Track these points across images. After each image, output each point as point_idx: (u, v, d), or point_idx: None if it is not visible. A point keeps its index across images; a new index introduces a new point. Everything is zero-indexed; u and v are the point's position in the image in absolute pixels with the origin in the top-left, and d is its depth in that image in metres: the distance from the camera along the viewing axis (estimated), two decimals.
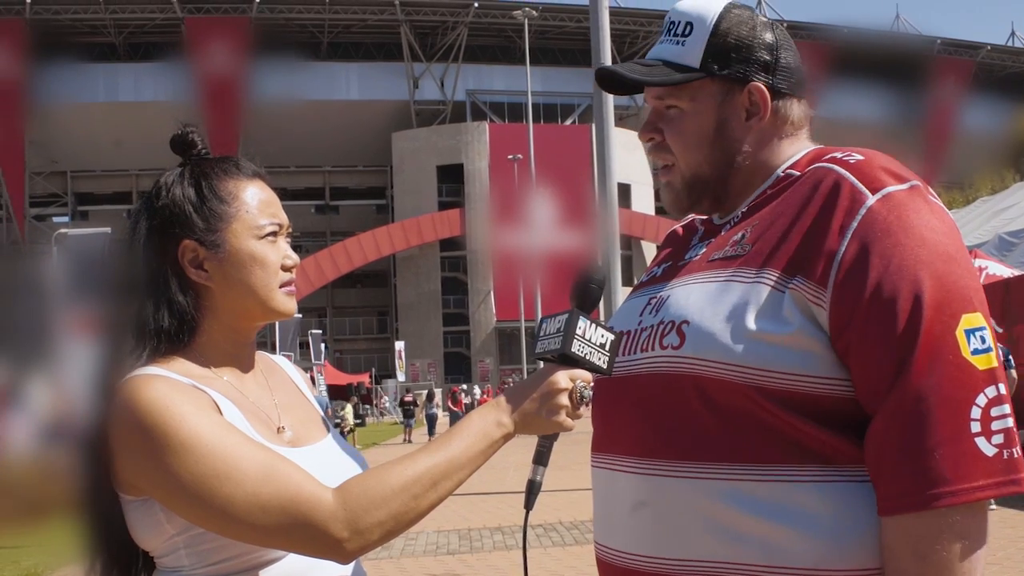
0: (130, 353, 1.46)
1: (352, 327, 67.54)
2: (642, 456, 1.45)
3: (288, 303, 1.58)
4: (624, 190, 55.61)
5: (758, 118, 1.54)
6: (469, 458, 1.41)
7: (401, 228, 61.00)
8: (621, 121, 44.95)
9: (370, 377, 48.23)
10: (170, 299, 1.50)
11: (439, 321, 63.06)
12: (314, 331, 38.73)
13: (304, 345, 37.15)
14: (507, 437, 1.45)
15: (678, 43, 1.55)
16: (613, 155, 11.89)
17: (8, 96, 55.67)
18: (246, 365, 1.61)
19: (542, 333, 1.51)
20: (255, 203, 1.56)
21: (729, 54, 1.53)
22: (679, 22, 1.57)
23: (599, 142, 12.09)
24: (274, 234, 1.57)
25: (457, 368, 61.90)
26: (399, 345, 49.41)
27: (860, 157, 1.43)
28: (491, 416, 1.44)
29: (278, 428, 1.56)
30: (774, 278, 1.38)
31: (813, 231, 1.38)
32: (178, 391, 1.41)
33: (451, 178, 63.06)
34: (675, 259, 1.63)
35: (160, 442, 1.36)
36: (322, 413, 1.72)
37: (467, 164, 62.60)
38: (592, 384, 1.46)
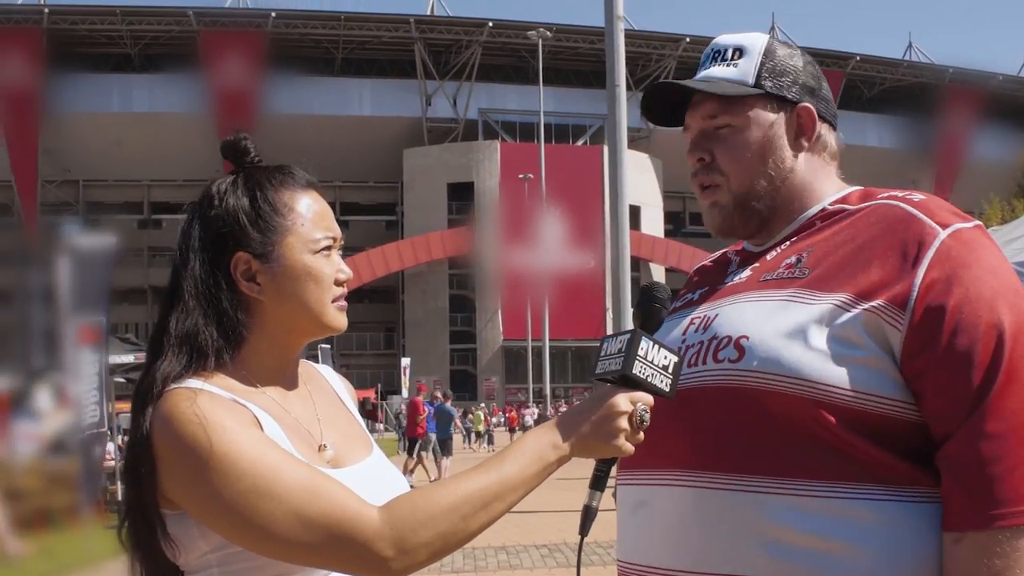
0: (175, 366, 1.40)
1: (359, 342, 67.52)
2: (690, 469, 1.44)
3: (340, 319, 1.54)
4: (634, 212, 55.61)
5: (806, 138, 1.60)
6: (522, 480, 1.36)
7: (410, 245, 61.11)
8: (632, 143, 45.01)
9: (376, 393, 48.17)
10: (220, 312, 1.45)
11: (446, 338, 63.05)
12: (323, 345, 38.69)
13: (313, 359, 37.14)
14: (562, 460, 1.39)
15: (729, 65, 1.61)
16: (625, 177, 11.91)
17: (23, 104, 56.05)
18: (290, 380, 1.55)
19: (603, 353, 1.46)
20: (310, 215, 1.51)
21: (781, 76, 1.59)
22: (726, 48, 1.63)
23: (612, 163, 12.10)
24: (328, 248, 1.52)
25: (463, 386, 61.78)
26: (405, 361, 49.39)
27: (922, 197, 1.50)
28: (547, 438, 1.39)
29: (320, 446, 1.50)
30: (843, 300, 1.41)
31: (887, 258, 1.42)
32: (220, 406, 1.36)
33: (461, 196, 63.19)
34: (713, 283, 1.64)
35: (200, 457, 1.31)
36: (365, 427, 1.67)
37: (478, 182, 62.74)
38: (647, 408, 1.41)
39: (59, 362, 10.42)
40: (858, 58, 67.73)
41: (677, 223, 70.00)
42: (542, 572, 8.69)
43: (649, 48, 64.21)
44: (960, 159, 66.46)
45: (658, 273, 63.80)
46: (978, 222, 1.47)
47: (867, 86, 68.99)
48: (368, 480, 1.49)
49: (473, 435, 35.78)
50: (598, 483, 1.45)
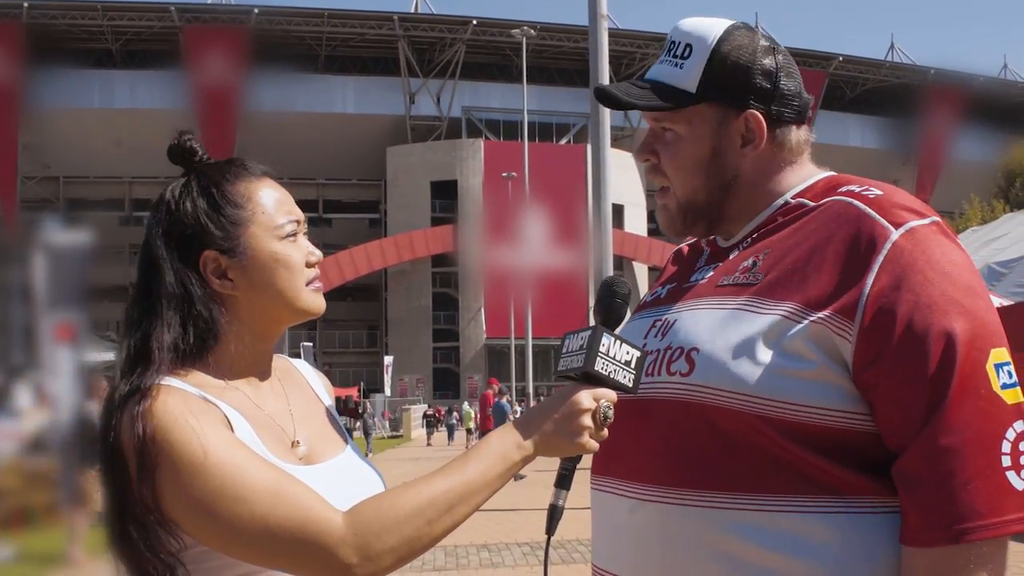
0: (151, 373, 1.39)
1: (342, 340, 67.40)
2: (648, 483, 1.43)
3: (317, 300, 1.53)
4: (617, 211, 55.66)
5: (753, 146, 1.52)
6: (486, 482, 1.36)
7: (393, 243, 60.99)
8: (616, 142, 45.02)
9: (359, 391, 48.11)
10: (195, 315, 1.44)
11: (429, 336, 62.99)
12: (305, 343, 38.64)
13: (295, 357, 37.05)
14: (527, 459, 1.39)
15: (677, 65, 1.52)
16: (608, 176, 11.91)
17: (2, 100, 55.61)
18: (264, 373, 1.55)
19: (565, 350, 1.46)
20: (270, 203, 1.51)
21: (727, 80, 1.49)
22: (679, 43, 1.54)
23: (595, 162, 12.10)
24: (294, 232, 1.52)
25: (446, 384, 61.77)
26: (388, 360, 49.32)
27: (879, 192, 1.42)
28: (510, 438, 1.39)
29: (293, 442, 1.50)
30: (793, 310, 1.36)
31: (836, 265, 1.36)
32: (189, 404, 1.36)
33: (445, 194, 63.13)
34: (680, 280, 1.61)
35: (167, 457, 1.31)
36: (340, 422, 1.66)
37: (461, 180, 62.68)
38: (611, 404, 1.41)
39: (37, 360, 10.36)
40: (841, 58, 67.97)
41: None
42: (523, 570, 8.69)
43: (633, 47, 64.26)
44: (941, 159, 66.81)
45: (641, 272, 63.90)
46: (936, 217, 1.41)
47: (849, 86, 69.26)
48: (339, 477, 1.49)
49: (465, 432, 36.20)
50: (563, 482, 1.46)
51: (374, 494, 1.38)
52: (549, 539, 1.48)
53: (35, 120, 57.59)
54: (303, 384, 1.66)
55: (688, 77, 1.51)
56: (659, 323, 1.53)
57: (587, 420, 1.38)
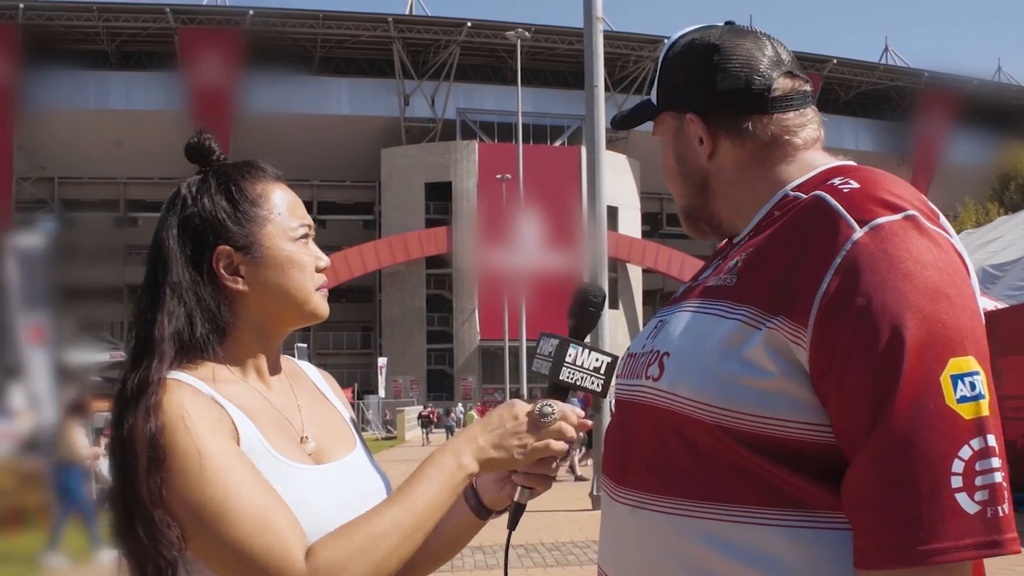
0: (161, 367, 1.40)
1: (336, 342, 67.39)
2: (630, 487, 1.43)
3: (324, 306, 1.55)
4: (611, 212, 55.72)
5: (704, 148, 1.51)
6: (436, 507, 1.39)
7: (388, 244, 60.99)
8: (610, 144, 45.09)
9: (353, 392, 48.08)
10: (204, 310, 1.46)
11: (423, 338, 62.97)
12: (299, 344, 38.61)
13: (290, 357, 37.06)
14: (471, 476, 1.43)
15: (655, 79, 1.60)
16: (603, 178, 11.93)
17: None
18: (273, 370, 1.56)
19: (539, 352, 1.51)
20: (285, 205, 1.53)
21: (671, 87, 1.55)
22: (658, 60, 1.63)
23: (590, 164, 12.13)
24: (306, 236, 1.54)
25: (440, 386, 61.79)
26: (382, 361, 49.28)
27: (856, 185, 1.34)
28: (451, 460, 1.42)
29: (301, 437, 1.51)
30: (752, 315, 1.31)
31: (796, 266, 1.29)
32: (199, 406, 1.37)
33: (439, 196, 63.13)
34: (695, 279, 1.60)
35: (166, 453, 1.32)
36: (351, 422, 1.67)
37: (455, 182, 62.70)
38: (552, 403, 1.45)
39: (20, 362, 10.42)
40: (835, 61, 68.11)
41: (654, 224, 70.21)
42: (518, 572, 8.69)
43: (627, 49, 64.34)
44: (935, 162, 66.99)
45: (635, 274, 63.98)
46: (912, 211, 1.29)
47: (844, 89, 69.40)
48: (347, 477, 1.50)
49: None
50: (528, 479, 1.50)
51: (334, 529, 1.39)
52: (510, 534, 1.52)
53: (30, 121, 57.54)
54: (309, 385, 1.67)
55: (655, 89, 1.58)
56: (661, 323, 1.51)
57: (524, 434, 1.44)
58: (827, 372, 1.24)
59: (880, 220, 1.27)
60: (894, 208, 1.29)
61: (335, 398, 1.69)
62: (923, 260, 1.24)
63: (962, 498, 1.16)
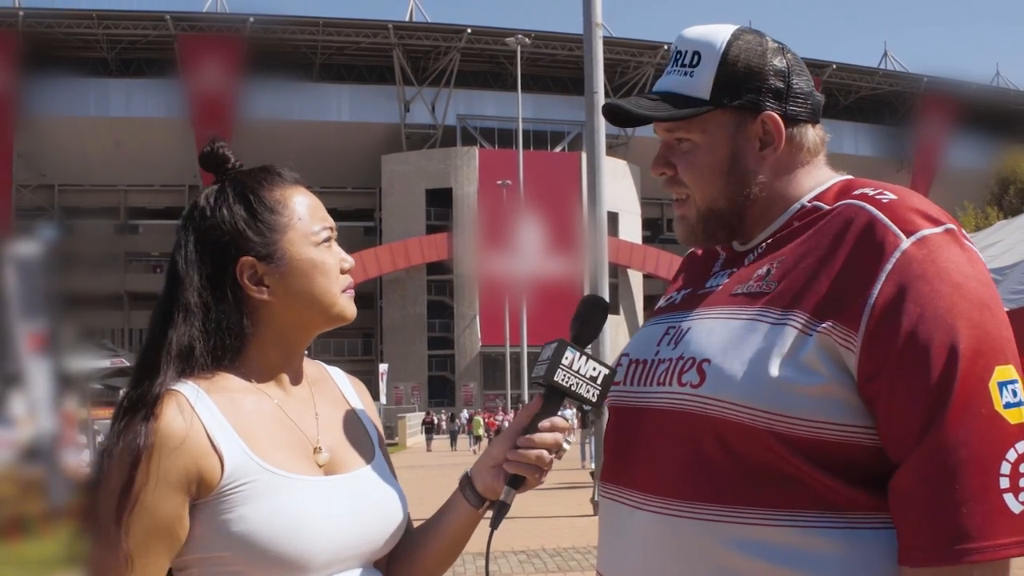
0: (154, 378, 1.39)
1: (336, 348, 67.24)
2: (655, 494, 1.41)
3: (351, 307, 1.53)
4: (612, 218, 55.68)
5: (772, 148, 1.49)
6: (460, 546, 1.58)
7: (388, 250, 60.96)
8: (610, 150, 45.07)
9: None
10: (223, 322, 1.44)
11: (424, 344, 62.90)
12: None
13: None
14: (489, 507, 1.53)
15: (686, 74, 1.50)
16: (603, 183, 11.94)
17: None
18: (294, 377, 1.54)
19: (540, 358, 1.50)
20: (305, 210, 1.51)
21: (740, 83, 1.47)
22: (686, 52, 1.51)
23: (590, 170, 12.14)
24: (328, 239, 1.52)
25: (441, 392, 61.70)
26: (383, 367, 49.22)
27: (893, 196, 1.38)
28: (464, 506, 1.56)
29: (315, 448, 1.48)
30: (802, 321, 1.33)
31: (844, 273, 1.33)
32: (174, 437, 1.36)
33: (440, 202, 63.10)
34: (695, 286, 1.58)
35: (110, 463, 1.35)
36: (374, 432, 1.63)
37: (456, 188, 62.68)
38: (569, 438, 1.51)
39: (20, 370, 10.43)
40: (834, 66, 68.11)
41: (655, 230, 70.16)
42: None
43: (627, 55, 64.36)
44: (935, 167, 66.95)
45: (636, 279, 63.94)
46: (951, 225, 1.35)
47: (843, 94, 69.40)
48: (358, 490, 1.49)
49: (473, 438, 36.67)
50: (514, 482, 1.51)
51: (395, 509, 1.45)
52: (492, 533, 1.53)
53: (30, 128, 57.51)
54: (334, 392, 1.64)
55: (700, 84, 1.49)
56: (672, 330, 1.50)
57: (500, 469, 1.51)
58: (877, 375, 1.29)
59: (925, 232, 1.33)
60: (934, 221, 1.35)
61: (361, 407, 1.65)
62: (966, 272, 1.32)
63: (1009, 498, 1.24)
